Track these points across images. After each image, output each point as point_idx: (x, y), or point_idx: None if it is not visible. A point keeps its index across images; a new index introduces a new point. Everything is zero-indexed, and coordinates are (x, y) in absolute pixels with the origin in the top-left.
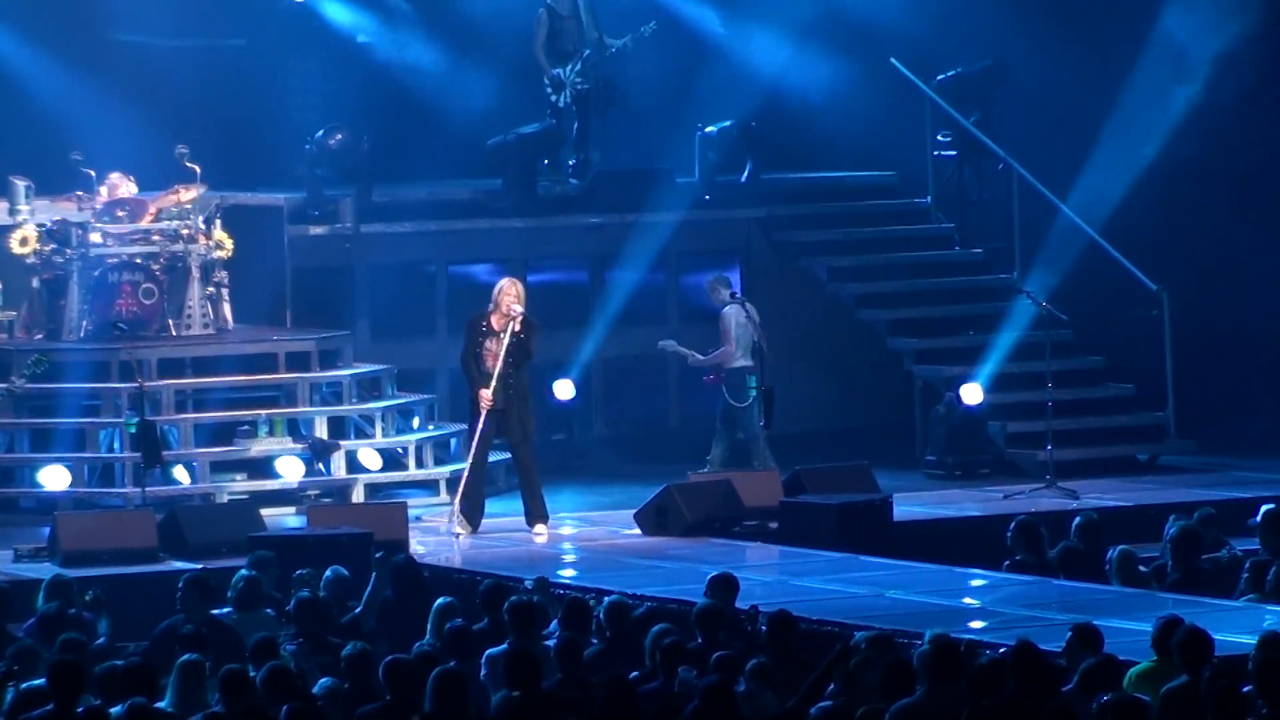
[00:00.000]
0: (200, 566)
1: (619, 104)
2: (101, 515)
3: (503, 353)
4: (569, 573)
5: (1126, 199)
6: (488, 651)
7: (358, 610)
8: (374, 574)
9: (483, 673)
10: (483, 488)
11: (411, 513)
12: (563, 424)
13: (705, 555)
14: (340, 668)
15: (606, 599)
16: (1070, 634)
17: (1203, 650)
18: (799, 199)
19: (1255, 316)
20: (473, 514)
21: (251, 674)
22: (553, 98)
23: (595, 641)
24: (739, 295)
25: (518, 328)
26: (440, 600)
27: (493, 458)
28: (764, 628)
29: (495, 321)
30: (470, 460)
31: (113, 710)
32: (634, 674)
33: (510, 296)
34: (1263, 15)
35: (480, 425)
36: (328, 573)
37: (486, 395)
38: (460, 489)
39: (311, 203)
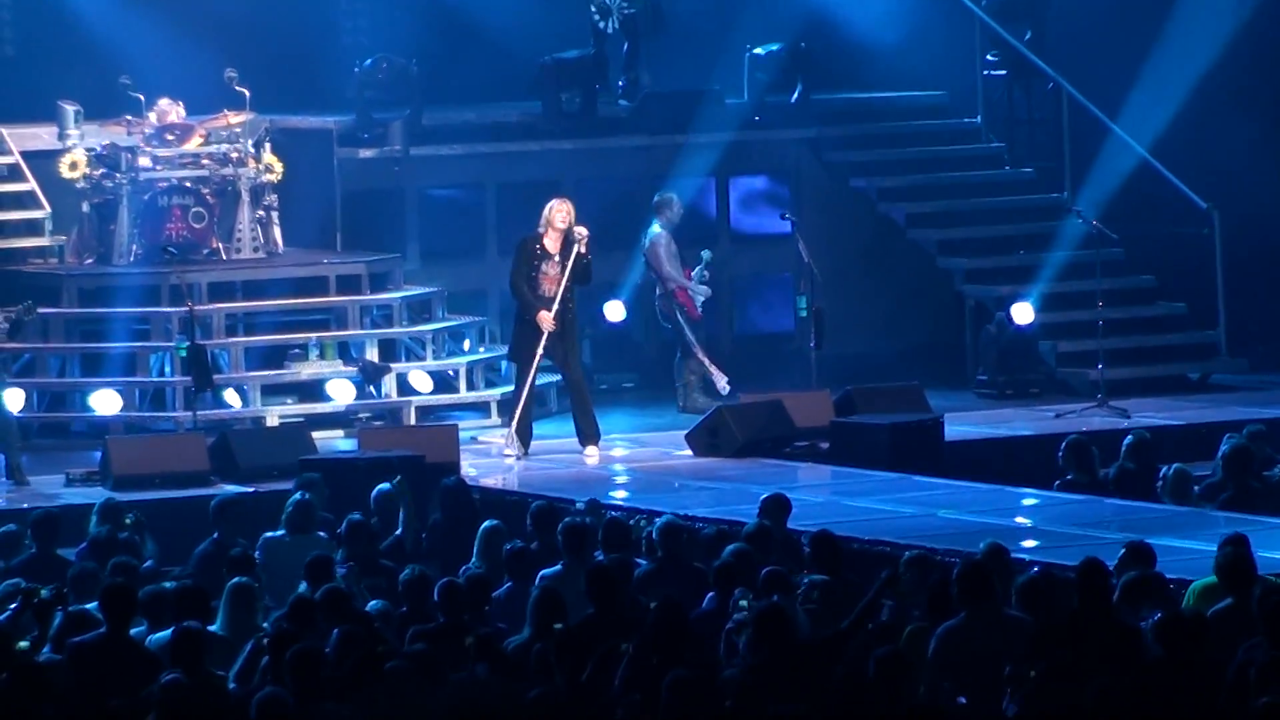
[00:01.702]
0: (251, 490)
1: (666, 26)
2: (152, 439)
3: (568, 274)
4: (620, 494)
5: (1177, 117)
6: (542, 572)
7: (398, 533)
8: (404, 498)
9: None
10: (533, 409)
11: (464, 434)
12: (614, 346)
13: (756, 476)
14: (397, 591)
15: (659, 520)
16: (1123, 551)
17: (1247, 571)
18: (849, 119)
19: None
20: (523, 435)
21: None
22: (600, 24)
23: (642, 562)
24: (790, 216)
25: (584, 249)
26: (487, 523)
27: (541, 379)
28: (807, 549)
29: (549, 243)
30: (527, 381)
31: (163, 634)
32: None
33: (561, 214)
34: None
35: (540, 347)
36: (375, 492)
37: (548, 317)
38: (518, 411)
39: (361, 126)
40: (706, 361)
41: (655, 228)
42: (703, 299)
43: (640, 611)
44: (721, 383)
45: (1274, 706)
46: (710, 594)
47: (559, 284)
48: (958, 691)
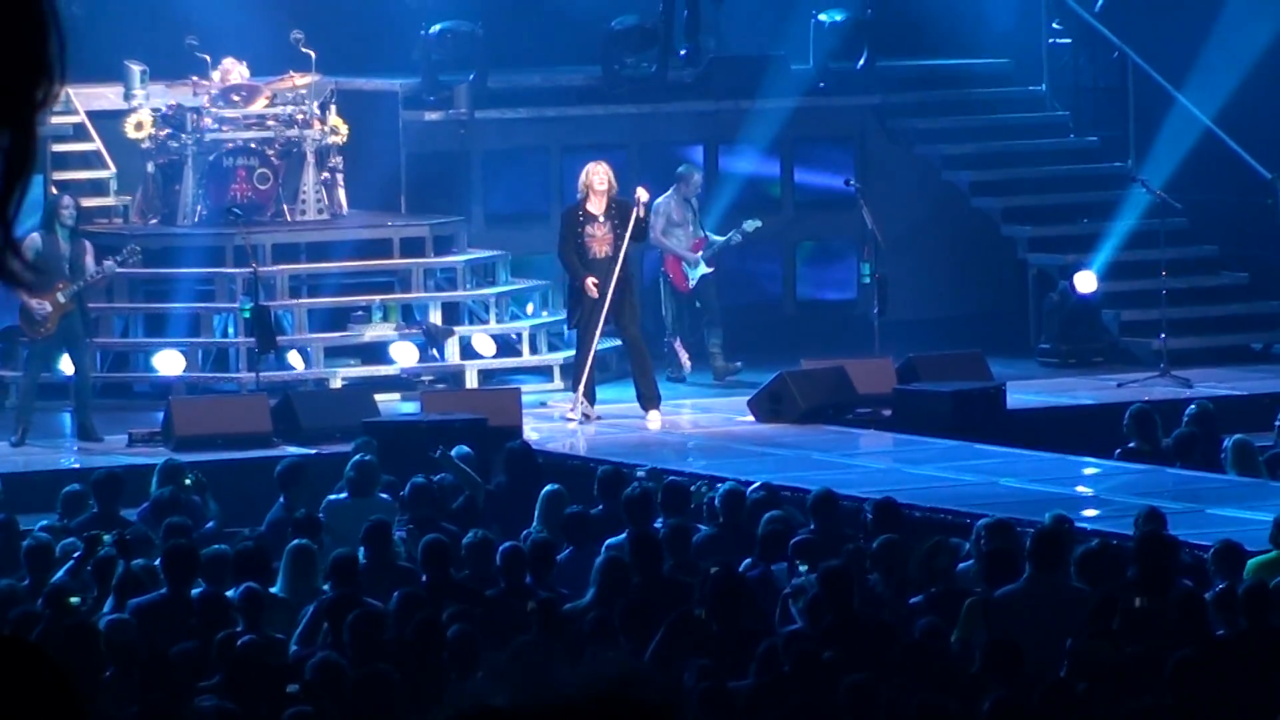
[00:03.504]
0: (314, 452)
1: None
2: (216, 400)
3: (627, 235)
4: (682, 459)
5: (1242, 87)
6: (608, 541)
7: (466, 494)
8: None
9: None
10: (595, 373)
11: (531, 398)
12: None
13: (818, 442)
14: (459, 554)
15: (721, 486)
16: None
17: None
18: (914, 86)
19: None
20: (588, 398)
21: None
22: None
23: (702, 527)
24: (854, 183)
25: (642, 212)
26: (548, 487)
27: (603, 344)
28: (869, 516)
29: (592, 207)
30: (589, 345)
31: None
32: (747, 561)
33: (598, 176)
34: None
35: (591, 311)
36: (453, 452)
37: (591, 283)
38: (583, 376)
39: (427, 88)
40: (677, 342)
41: (665, 195)
42: (699, 273)
43: (696, 577)
44: (685, 360)
45: None
46: (748, 560)
47: (609, 245)
48: None
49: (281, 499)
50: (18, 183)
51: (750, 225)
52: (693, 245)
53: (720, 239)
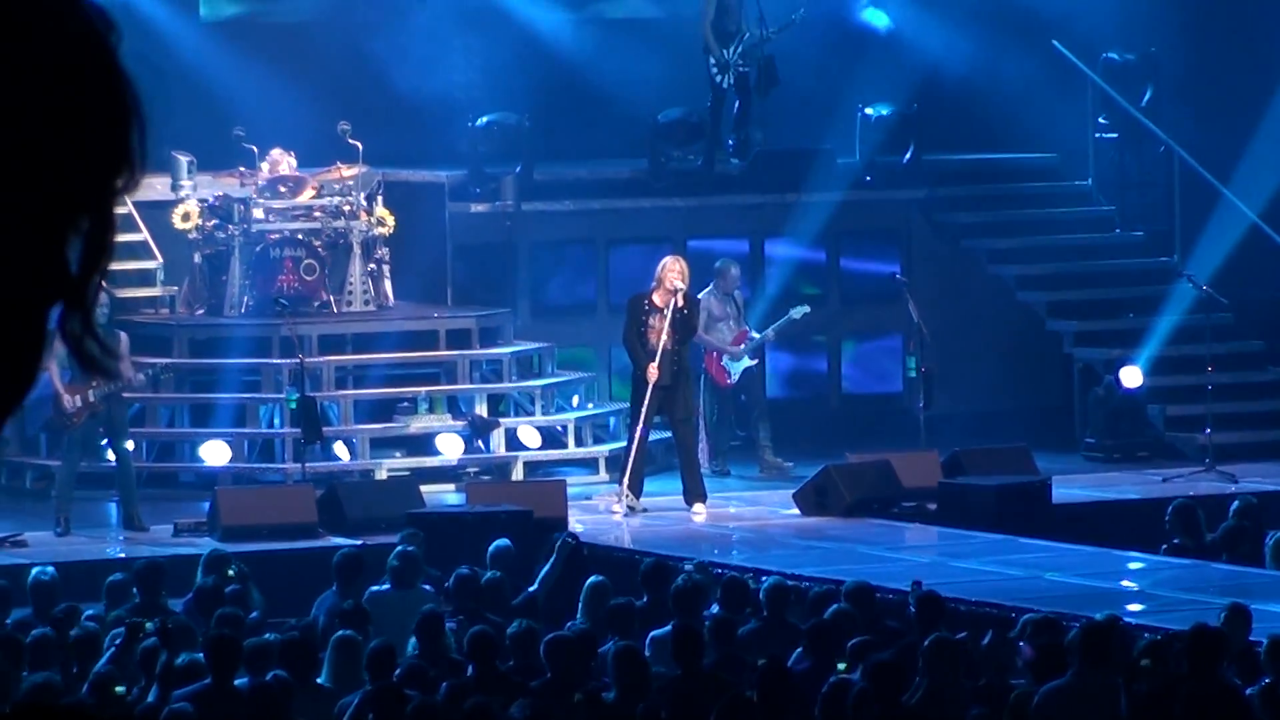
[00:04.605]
0: (360, 543)
1: (779, 85)
2: (261, 490)
3: (666, 328)
4: (727, 552)
5: None
6: (652, 634)
7: (531, 590)
8: (554, 555)
9: (646, 653)
10: (644, 465)
11: (577, 491)
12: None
13: (864, 536)
14: (504, 645)
15: (766, 580)
16: (1224, 613)
17: None
18: (960, 180)
19: None
20: (634, 489)
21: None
22: (717, 78)
23: (752, 621)
24: (900, 277)
25: (680, 303)
26: (592, 579)
27: (651, 437)
28: (913, 609)
29: (659, 299)
30: (637, 437)
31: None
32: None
33: (674, 273)
34: None
35: (645, 402)
36: (492, 547)
37: (654, 370)
38: (628, 467)
39: (473, 180)
40: (703, 435)
41: (705, 291)
42: (741, 367)
43: (741, 670)
44: (704, 459)
45: None
46: (799, 651)
47: (670, 338)
48: None
49: (335, 588)
50: (96, 269)
51: (798, 311)
52: (734, 339)
53: (760, 335)
